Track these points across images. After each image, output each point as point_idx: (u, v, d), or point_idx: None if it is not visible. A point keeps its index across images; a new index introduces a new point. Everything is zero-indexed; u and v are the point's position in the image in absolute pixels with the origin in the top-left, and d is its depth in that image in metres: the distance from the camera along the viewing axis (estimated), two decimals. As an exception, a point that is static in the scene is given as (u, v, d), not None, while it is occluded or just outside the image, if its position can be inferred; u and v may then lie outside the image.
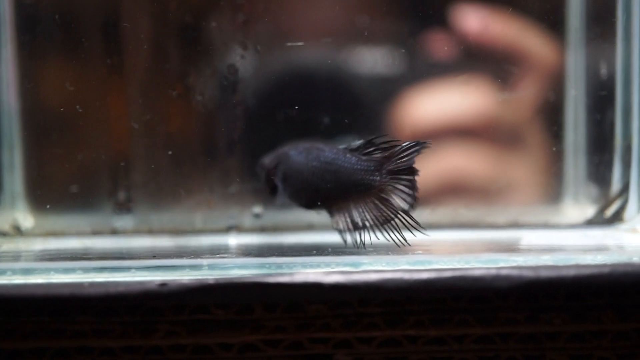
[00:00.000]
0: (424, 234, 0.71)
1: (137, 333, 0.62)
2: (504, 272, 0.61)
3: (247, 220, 0.85)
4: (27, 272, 0.64)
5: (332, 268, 0.63)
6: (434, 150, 0.79)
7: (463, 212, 0.87)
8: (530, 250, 0.76)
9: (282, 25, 0.85)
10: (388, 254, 0.68)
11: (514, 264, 0.65)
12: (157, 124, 0.84)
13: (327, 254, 0.71)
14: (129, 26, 0.84)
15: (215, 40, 0.85)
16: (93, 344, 0.62)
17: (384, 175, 0.72)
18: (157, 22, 0.85)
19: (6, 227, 0.85)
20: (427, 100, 0.87)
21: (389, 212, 0.72)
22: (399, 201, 0.71)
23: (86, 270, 0.64)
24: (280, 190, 0.76)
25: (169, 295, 0.59)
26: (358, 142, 0.74)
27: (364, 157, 0.72)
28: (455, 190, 0.87)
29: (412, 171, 0.71)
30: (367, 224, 0.72)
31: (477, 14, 0.86)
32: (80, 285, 0.60)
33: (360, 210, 0.73)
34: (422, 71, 0.86)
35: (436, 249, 0.76)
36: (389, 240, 0.71)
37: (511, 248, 0.77)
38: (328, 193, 0.74)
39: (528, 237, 0.84)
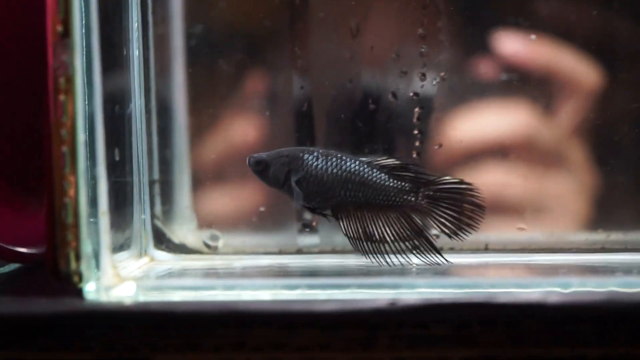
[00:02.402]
0: (445, 261, 0.78)
1: (359, 347, 0.67)
2: None
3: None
4: (255, 287, 0.69)
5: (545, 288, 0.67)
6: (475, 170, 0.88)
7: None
8: None
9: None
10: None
11: None
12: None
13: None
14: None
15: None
16: (319, 357, 0.67)
17: (421, 198, 0.78)
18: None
19: (200, 244, 0.91)
20: (469, 121, 0.90)
21: (412, 231, 0.78)
22: (438, 224, 0.78)
23: (311, 286, 0.69)
24: (297, 193, 0.79)
25: (398, 312, 0.64)
26: (384, 160, 0.79)
27: (395, 177, 0.78)
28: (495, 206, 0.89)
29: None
30: (387, 237, 0.78)
31: (517, 37, 0.89)
32: (311, 301, 0.66)
33: (380, 222, 0.78)
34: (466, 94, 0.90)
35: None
36: (407, 260, 0.77)
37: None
38: (346, 202, 0.79)
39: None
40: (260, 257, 0.88)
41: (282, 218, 0.90)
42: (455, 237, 0.79)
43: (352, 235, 0.79)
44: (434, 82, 0.89)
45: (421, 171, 0.79)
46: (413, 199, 0.79)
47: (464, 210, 0.79)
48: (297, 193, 0.79)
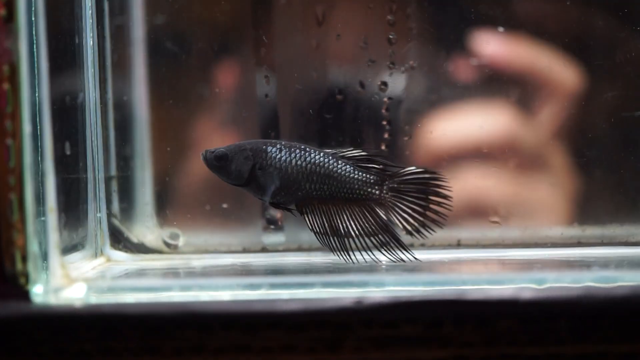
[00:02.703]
0: (413, 258, 0.75)
1: (324, 348, 0.63)
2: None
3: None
4: (214, 287, 0.65)
5: (518, 284, 0.64)
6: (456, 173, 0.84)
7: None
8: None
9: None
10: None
11: None
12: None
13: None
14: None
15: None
16: (282, 359, 0.63)
17: (385, 191, 0.75)
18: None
19: (159, 243, 0.87)
20: (449, 123, 0.87)
21: (377, 226, 0.75)
22: (401, 220, 0.75)
23: (273, 286, 0.65)
24: (270, 187, 0.76)
25: (363, 311, 0.60)
26: (349, 151, 0.76)
27: (361, 169, 0.75)
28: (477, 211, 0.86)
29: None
30: (353, 232, 0.75)
31: (497, 38, 0.86)
32: (274, 301, 0.62)
33: (345, 216, 0.75)
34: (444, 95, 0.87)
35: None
36: (373, 257, 0.74)
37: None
38: (310, 194, 0.75)
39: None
40: (222, 255, 0.84)
41: (246, 215, 0.86)
42: (418, 236, 0.76)
43: (317, 230, 0.76)
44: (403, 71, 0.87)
45: (388, 163, 0.76)
46: (377, 192, 0.75)
47: (429, 203, 0.76)
48: (268, 187, 0.76)
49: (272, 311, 0.62)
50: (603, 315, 0.62)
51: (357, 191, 0.75)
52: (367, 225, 0.76)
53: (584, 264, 0.80)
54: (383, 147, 0.85)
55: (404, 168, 0.76)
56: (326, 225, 0.76)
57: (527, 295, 0.61)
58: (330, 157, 0.76)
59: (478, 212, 0.87)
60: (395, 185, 0.76)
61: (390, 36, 0.86)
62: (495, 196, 0.87)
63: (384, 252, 0.75)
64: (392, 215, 0.75)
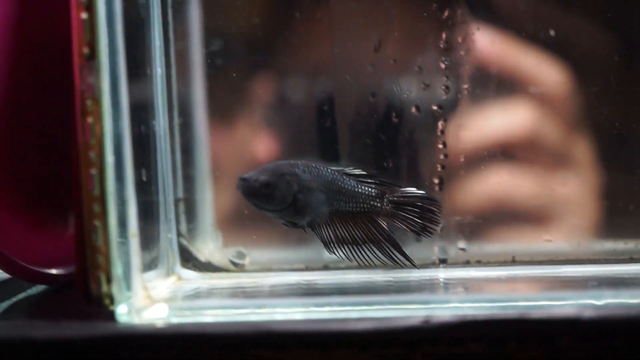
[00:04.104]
0: (412, 264, 0.82)
1: (393, 365, 0.67)
2: None
3: (452, 253, 0.89)
4: (287, 306, 0.69)
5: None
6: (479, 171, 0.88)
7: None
8: None
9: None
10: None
11: None
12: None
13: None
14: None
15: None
16: (352, 376, 0.67)
17: (385, 203, 0.81)
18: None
19: (226, 262, 0.91)
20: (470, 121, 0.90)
21: (379, 234, 0.81)
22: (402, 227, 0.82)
23: (342, 304, 0.68)
24: (308, 209, 0.80)
25: (431, 330, 0.64)
26: (354, 170, 0.82)
27: (364, 184, 0.82)
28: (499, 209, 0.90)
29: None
30: (359, 240, 0.81)
31: (487, 38, 0.89)
32: (345, 320, 0.66)
33: (350, 227, 0.81)
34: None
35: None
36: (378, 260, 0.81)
37: None
38: (324, 212, 0.81)
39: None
40: (287, 273, 0.88)
41: (307, 233, 0.89)
42: (423, 234, 0.82)
43: (328, 240, 0.81)
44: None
45: (383, 180, 0.83)
46: (379, 204, 0.82)
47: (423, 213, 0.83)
48: (306, 210, 0.80)
49: (344, 330, 0.65)
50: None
51: (362, 204, 0.81)
52: (370, 233, 0.82)
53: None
54: (439, 168, 0.89)
55: (400, 186, 0.83)
56: (333, 236, 0.81)
57: (588, 314, 0.63)
58: (338, 174, 0.81)
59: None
60: (395, 199, 0.82)
61: (444, 61, 0.89)
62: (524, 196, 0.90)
63: (386, 257, 0.82)
64: (395, 222, 0.82)
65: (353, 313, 0.67)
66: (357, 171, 0.82)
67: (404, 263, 0.82)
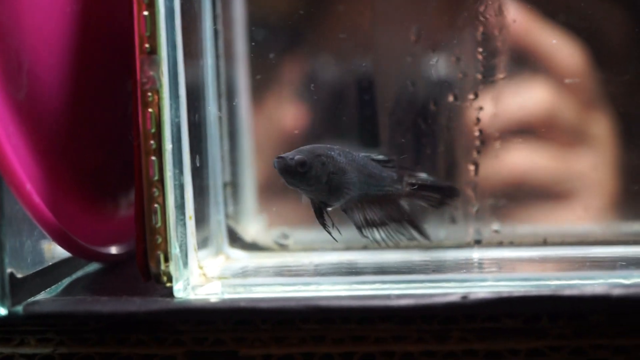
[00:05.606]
0: (429, 240, 0.87)
1: (432, 339, 0.71)
2: None
3: (486, 235, 0.93)
4: (333, 283, 0.74)
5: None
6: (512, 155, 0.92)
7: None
8: None
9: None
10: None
11: None
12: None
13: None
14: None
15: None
16: (394, 349, 0.71)
17: (405, 185, 0.85)
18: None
19: (270, 242, 0.96)
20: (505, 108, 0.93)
21: (400, 214, 0.85)
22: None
23: (384, 282, 0.73)
24: (342, 191, 0.82)
25: (470, 306, 0.68)
26: (380, 156, 0.86)
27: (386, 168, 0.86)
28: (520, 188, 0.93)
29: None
30: (383, 221, 0.85)
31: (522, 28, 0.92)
32: (387, 297, 0.70)
33: (376, 209, 0.85)
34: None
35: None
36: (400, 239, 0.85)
37: None
38: (356, 195, 0.83)
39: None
40: (328, 253, 0.92)
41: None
42: (441, 207, 0.88)
43: (362, 225, 0.84)
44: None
45: (401, 164, 0.86)
46: (400, 187, 0.86)
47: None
48: (340, 191, 0.82)
49: (386, 306, 0.70)
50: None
51: (387, 188, 0.85)
52: (394, 214, 0.85)
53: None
54: (475, 154, 0.94)
55: (418, 171, 0.88)
56: (367, 220, 0.85)
57: (617, 292, 0.67)
58: (366, 160, 0.85)
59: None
60: (413, 181, 0.86)
61: (480, 51, 0.93)
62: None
63: (406, 234, 0.86)
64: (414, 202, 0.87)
65: (394, 290, 0.72)
66: (381, 157, 0.86)
67: (431, 241, 0.88)
